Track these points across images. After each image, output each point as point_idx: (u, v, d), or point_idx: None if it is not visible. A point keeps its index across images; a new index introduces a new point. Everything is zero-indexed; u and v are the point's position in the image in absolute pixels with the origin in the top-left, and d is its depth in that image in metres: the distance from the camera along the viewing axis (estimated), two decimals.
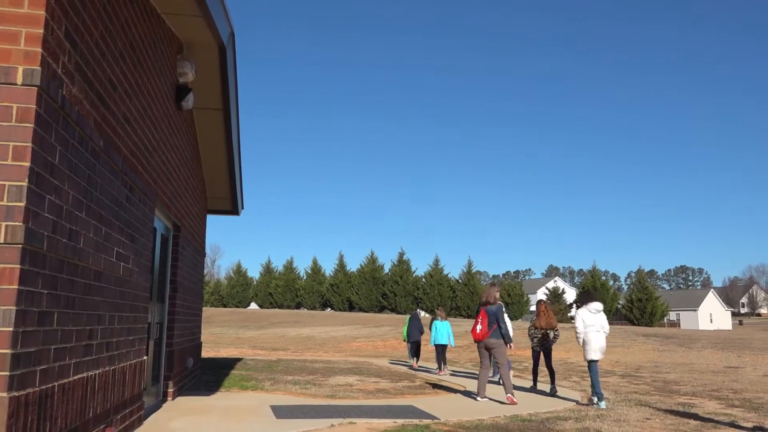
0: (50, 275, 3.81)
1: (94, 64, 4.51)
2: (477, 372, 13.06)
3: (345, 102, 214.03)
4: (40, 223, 3.62)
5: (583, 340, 9.57)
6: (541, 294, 75.13)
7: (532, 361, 12.15)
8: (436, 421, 7.56)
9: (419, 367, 16.59)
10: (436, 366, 15.26)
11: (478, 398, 9.59)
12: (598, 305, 9.70)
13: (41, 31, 3.58)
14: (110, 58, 4.90)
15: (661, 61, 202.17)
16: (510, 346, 9.62)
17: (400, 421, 7.38)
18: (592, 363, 9.54)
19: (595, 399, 9.41)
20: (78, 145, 4.22)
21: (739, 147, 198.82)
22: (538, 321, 11.63)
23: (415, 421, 7.47)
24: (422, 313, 63.64)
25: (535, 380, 11.81)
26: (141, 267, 6.24)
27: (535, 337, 11.62)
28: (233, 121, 9.95)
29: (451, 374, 14.64)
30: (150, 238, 6.66)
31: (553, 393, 10.93)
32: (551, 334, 11.44)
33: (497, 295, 9.76)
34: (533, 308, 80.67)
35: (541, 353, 11.65)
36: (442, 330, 14.71)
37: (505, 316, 10.28)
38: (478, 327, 9.52)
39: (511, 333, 9.60)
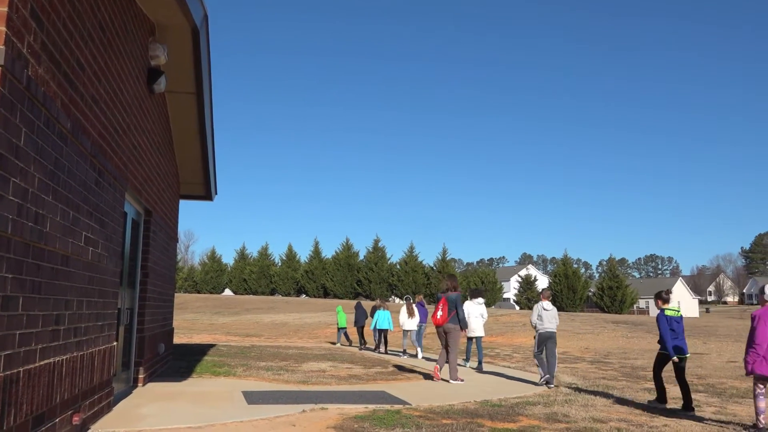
0: (15, 259, 3.75)
1: (61, 45, 4.42)
2: (413, 352, 16.58)
3: (320, 89, 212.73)
4: (4, 207, 3.55)
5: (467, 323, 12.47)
6: (515, 282, 75.96)
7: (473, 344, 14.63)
8: (407, 406, 7.63)
9: (366, 347, 19.37)
10: (374, 346, 18.47)
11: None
12: (480, 300, 13.69)
13: (5, 9, 3.49)
14: (78, 38, 4.80)
15: (639, 50, 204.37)
16: (465, 332, 10.63)
17: (371, 407, 7.44)
18: (470, 339, 13.66)
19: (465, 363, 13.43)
20: (44, 127, 4.14)
21: (709, 138, 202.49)
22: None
23: (387, 406, 7.53)
24: (398, 300, 63.98)
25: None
26: (111, 252, 6.17)
27: None
28: (206, 106, 9.83)
29: (383, 353, 17.44)
30: (120, 222, 6.58)
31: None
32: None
33: (457, 284, 10.59)
34: (506, 296, 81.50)
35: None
36: (383, 317, 17.47)
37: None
38: (439, 313, 10.27)
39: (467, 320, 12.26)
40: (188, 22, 7.66)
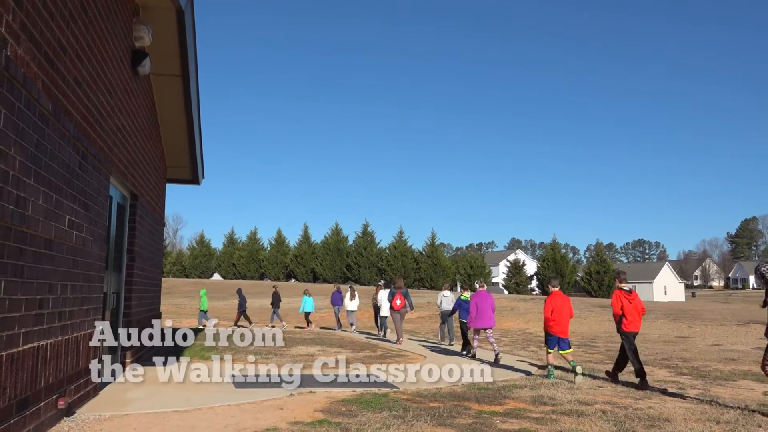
0: None
1: (41, 25, 4.33)
2: (347, 329, 20.54)
3: (310, 77, 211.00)
4: None
5: (382, 306, 16.69)
6: (503, 266, 76.40)
7: (391, 320, 17.34)
8: (395, 389, 7.66)
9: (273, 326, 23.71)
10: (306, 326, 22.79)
11: (398, 342, 14.90)
12: (394, 290, 15.80)
13: None
14: (59, 18, 4.72)
15: (625, 44, 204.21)
16: (411, 312, 15.69)
17: (359, 390, 7.46)
18: (385, 318, 17.62)
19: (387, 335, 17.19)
20: (25, 108, 4.07)
21: (696, 126, 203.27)
22: (375, 294, 19.32)
23: (375, 389, 7.56)
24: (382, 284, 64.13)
25: (378, 330, 18.57)
26: (96, 236, 6.11)
27: (374, 304, 19.27)
28: (192, 88, 9.72)
29: (321, 328, 21.80)
30: (105, 206, 6.51)
31: (383, 336, 17.98)
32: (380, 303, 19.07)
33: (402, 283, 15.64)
34: (495, 280, 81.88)
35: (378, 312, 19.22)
36: (308, 302, 22.29)
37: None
38: (398, 301, 14.90)
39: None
40: (173, 2, 7.54)
